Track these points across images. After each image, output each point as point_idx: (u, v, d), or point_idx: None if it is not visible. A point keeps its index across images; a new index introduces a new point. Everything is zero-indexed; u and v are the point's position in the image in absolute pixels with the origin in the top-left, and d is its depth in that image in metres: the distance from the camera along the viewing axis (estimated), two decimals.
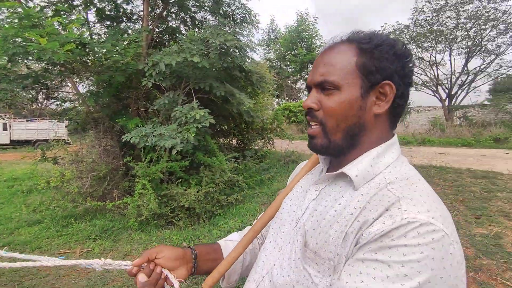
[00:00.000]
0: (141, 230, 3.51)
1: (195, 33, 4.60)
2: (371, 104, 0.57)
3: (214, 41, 3.72)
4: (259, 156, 6.42)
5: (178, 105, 3.91)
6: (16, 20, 3.11)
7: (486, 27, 14.18)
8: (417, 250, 0.42)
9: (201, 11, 5.44)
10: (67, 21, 3.46)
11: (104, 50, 3.65)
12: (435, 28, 15.36)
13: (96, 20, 4.75)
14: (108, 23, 4.85)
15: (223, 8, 5.23)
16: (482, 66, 15.52)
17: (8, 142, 16.18)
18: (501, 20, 13.70)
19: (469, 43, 15.14)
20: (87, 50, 3.66)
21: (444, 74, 16.87)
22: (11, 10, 3.22)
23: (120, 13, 4.84)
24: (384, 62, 0.56)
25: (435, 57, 16.60)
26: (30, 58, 3.41)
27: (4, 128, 16.05)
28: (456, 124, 15.20)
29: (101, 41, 3.95)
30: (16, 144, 16.22)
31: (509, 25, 13.73)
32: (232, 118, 5.70)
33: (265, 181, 5.45)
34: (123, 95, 4.69)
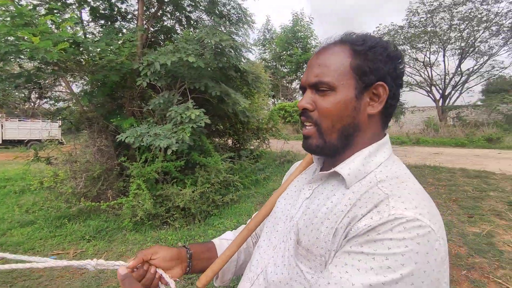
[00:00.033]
0: (136, 231, 3.49)
1: (191, 33, 4.58)
2: (365, 104, 0.58)
3: (209, 41, 3.71)
4: (255, 156, 6.42)
5: (173, 105, 3.89)
6: (8, 19, 3.07)
7: (479, 28, 14.38)
8: (402, 244, 0.43)
9: (196, 11, 5.42)
10: (60, 20, 3.42)
11: (98, 49, 3.61)
12: (429, 29, 15.54)
13: (90, 19, 4.70)
14: (102, 22, 4.80)
15: (218, 8, 5.22)
16: (475, 67, 15.76)
17: (0, 142, 15.96)
18: (493, 21, 13.90)
19: (462, 44, 15.34)
20: (81, 49, 3.62)
21: (438, 74, 17.11)
22: (3, 8, 3.18)
23: (115, 12, 4.80)
24: (377, 63, 0.57)
25: (429, 58, 16.81)
26: (22, 57, 3.36)
27: None
28: (450, 124, 15.39)
29: (95, 40, 3.91)
30: (9, 144, 15.98)
31: (501, 26, 13.93)
32: (228, 118, 5.69)
33: (261, 181, 5.46)
34: (117, 94, 4.66)
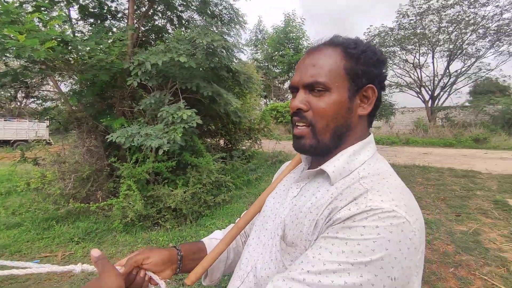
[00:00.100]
0: (126, 232, 3.44)
1: (182, 33, 4.55)
2: (357, 106, 0.60)
3: (201, 41, 3.70)
4: (247, 156, 6.42)
5: (165, 105, 3.86)
6: None
7: (467, 31, 14.70)
8: (374, 232, 0.45)
9: (188, 11, 5.39)
10: (48, 18, 3.35)
11: (88, 48, 3.55)
12: (418, 31, 15.80)
13: (79, 17, 4.62)
14: (91, 20, 4.72)
15: (210, 8, 5.20)
16: (463, 69, 16.10)
17: None
18: (480, 24, 14.23)
19: (451, 46, 15.65)
20: (69, 48, 3.55)
21: (427, 76, 17.42)
22: None
23: (104, 11, 4.72)
24: (369, 67, 0.59)
25: (419, 60, 17.09)
26: (8, 55, 3.28)
27: None
28: (439, 124, 15.68)
29: (85, 39, 3.84)
30: None
31: (488, 29, 14.27)
32: (220, 118, 5.67)
33: (253, 181, 5.46)
34: (107, 94, 4.59)
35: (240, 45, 5.75)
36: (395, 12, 16.17)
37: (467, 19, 14.30)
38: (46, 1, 3.57)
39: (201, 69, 4.38)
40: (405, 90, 18.12)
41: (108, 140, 3.61)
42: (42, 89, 5.23)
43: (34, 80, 4.60)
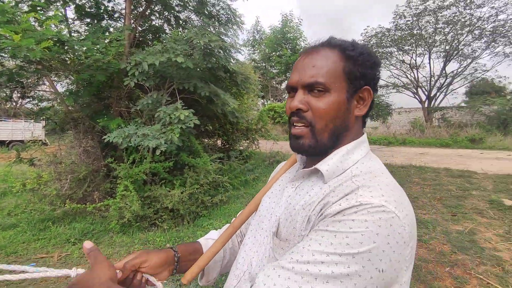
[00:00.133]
0: (123, 233, 3.43)
1: (179, 33, 4.54)
2: (354, 107, 0.62)
3: (198, 42, 3.69)
4: (244, 157, 6.42)
5: (162, 105, 3.85)
6: None
7: (463, 32, 14.81)
8: (363, 225, 0.46)
9: (185, 11, 5.38)
10: (44, 18, 3.33)
11: (84, 48, 3.53)
12: (415, 32, 15.89)
13: (76, 17, 4.59)
14: (88, 20, 4.70)
15: (207, 8, 5.19)
16: (459, 70, 16.22)
17: None
18: (476, 25, 14.34)
19: (447, 47, 15.76)
20: (65, 48, 3.53)
21: (423, 76, 17.53)
22: None
23: (101, 11, 4.70)
24: (366, 69, 0.61)
25: (415, 60, 17.18)
26: (4, 55, 3.26)
27: None
28: (435, 125, 15.79)
29: (81, 39, 3.83)
30: None
31: (484, 31, 14.38)
32: (217, 118, 5.67)
33: (250, 182, 5.46)
34: (104, 94, 4.56)
35: (237, 45, 5.75)
36: (392, 13, 16.27)
37: (463, 20, 14.41)
38: (42, 1, 3.55)
39: (198, 69, 4.37)
40: (402, 90, 18.23)
41: (105, 141, 3.59)
42: (38, 89, 5.18)
43: (30, 80, 4.57)
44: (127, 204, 3.40)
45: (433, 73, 16.86)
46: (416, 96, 17.51)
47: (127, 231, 3.46)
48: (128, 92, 4.43)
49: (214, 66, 4.26)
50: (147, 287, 0.67)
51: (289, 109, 0.62)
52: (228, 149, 6.53)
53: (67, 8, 4.35)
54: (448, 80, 16.51)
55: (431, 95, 17.00)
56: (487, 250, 2.78)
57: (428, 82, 17.11)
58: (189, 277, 0.66)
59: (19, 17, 3.04)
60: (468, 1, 13.82)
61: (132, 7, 4.55)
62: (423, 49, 16.70)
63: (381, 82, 18.12)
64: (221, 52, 4.28)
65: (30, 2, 3.60)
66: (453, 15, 14.58)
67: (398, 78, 18.30)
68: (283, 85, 27.03)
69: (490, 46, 14.91)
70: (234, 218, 0.76)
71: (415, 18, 15.49)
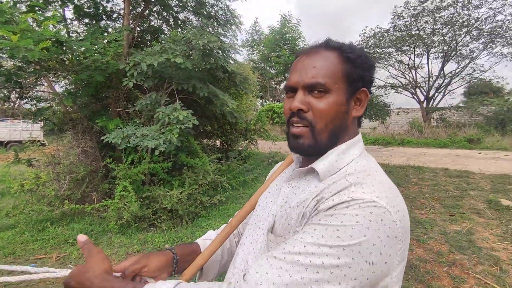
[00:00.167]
0: (122, 233, 3.43)
1: (178, 34, 4.54)
2: (351, 108, 0.63)
3: (197, 42, 3.70)
4: (243, 157, 6.41)
5: (161, 106, 3.85)
6: None
7: (461, 33, 14.84)
8: (354, 219, 0.48)
9: (184, 11, 5.38)
10: (42, 18, 3.33)
11: (83, 49, 3.54)
12: (413, 32, 15.92)
13: (74, 18, 4.59)
14: (86, 20, 4.69)
15: (206, 8, 5.20)
16: (457, 70, 16.25)
17: None
18: (474, 26, 14.38)
19: (445, 48, 15.80)
20: (64, 48, 3.53)
21: (422, 77, 17.54)
22: None
23: (100, 11, 4.70)
24: (364, 71, 0.62)
25: (414, 61, 17.20)
26: (2, 55, 3.26)
27: None
28: (433, 125, 15.82)
29: (80, 39, 3.82)
30: None
31: (481, 31, 14.43)
32: (216, 119, 5.67)
33: (249, 182, 5.46)
34: (102, 95, 4.56)
35: (236, 46, 5.75)
36: (390, 14, 16.29)
37: (461, 21, 14.44)
38: (41, 1, 3.54)
39: (197, 70, 4.38)
40: (400, 91, 18.26)
41: (104, 141, 3.59)
42: (36, 89, 5.17)
43: (28, 81, 4.55)
44: (125, 204, 3.40)
45: (431, 74, 16.91)
46: (415, 97, 17.55)
47: (126, 231, 3.45)
48: (127, 93, 4.43)
49: (213, 66, 4.26)
50: None
51: (289, 110, 0.62)
52: (227, 149, 6.53)
53: (65, 9, 4.35)
54: (446, 81, 16.55)
55: (430, 96, 17.03)
56: (485, 250, 2.79)
57: (427, 82, 17.15)
58: (187, 277, 0.67)
59: (17, 17, 3.04)
60: (466, 2, 13.86)
61: (130, 8, 4.55)
62: (421, 49, 16.73)
63: (379, 83, 18.26)
64: (220, 52, 4.29)
65: (28, 3, 3.60)
66: (451, 16, 14.62)
67: (396, 79, 18.35)
68: (282, 86, 27.04)
69: (488, 47, 14.94)
70: (231, 218, 0.77)
71: (413, 19, 15.52)
